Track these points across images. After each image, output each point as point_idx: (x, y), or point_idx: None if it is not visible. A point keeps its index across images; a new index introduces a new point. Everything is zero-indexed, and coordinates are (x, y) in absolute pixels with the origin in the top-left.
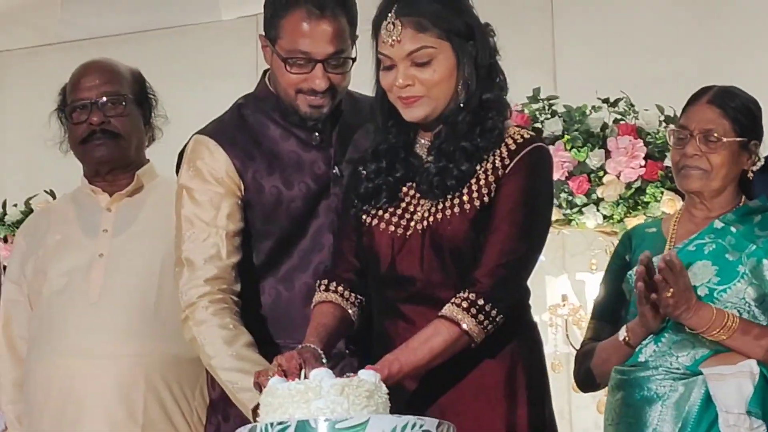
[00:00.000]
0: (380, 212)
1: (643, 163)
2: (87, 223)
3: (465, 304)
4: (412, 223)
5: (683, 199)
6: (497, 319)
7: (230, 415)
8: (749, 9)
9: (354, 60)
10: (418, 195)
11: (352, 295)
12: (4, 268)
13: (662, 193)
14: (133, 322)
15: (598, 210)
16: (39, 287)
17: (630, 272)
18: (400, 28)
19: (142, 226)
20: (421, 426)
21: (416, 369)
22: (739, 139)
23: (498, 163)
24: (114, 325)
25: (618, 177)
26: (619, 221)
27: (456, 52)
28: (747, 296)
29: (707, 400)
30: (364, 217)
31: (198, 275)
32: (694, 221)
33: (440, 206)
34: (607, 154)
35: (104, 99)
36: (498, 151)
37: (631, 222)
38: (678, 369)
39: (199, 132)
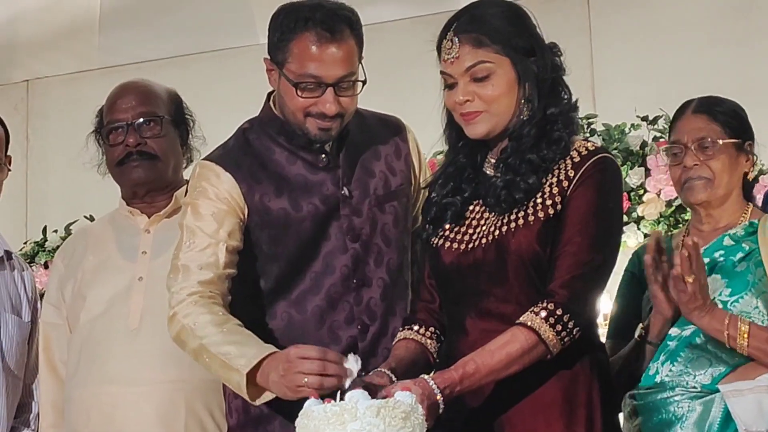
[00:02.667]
0: (446, 232)
1: None
2: (125, 245)
3: (544, 314)
4: (476, 238)
5: None
6: (574, 332)
7: None
8: None
9: (364, 82)
10: (483, 210)
11: (429, 329)
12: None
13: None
14: (173, 348)
15: (638, 228)
16: (77, 311)
17: (645, 295)
18: (458, 45)
19: None
20: None
21: (491, 373)
22: (733, 140)
23: (563, 176)
24: (154, 351)
25: (658, 195)
26: None
27: (515, 68)
28: (759, 305)
29: (727, 418)
30: (433, 239)
31: (192, 279)
32: (701, 235)
33: (505, 220)
34: (647, 173)
35: (140, 120)
36: (563, 164)
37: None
38: (695, 388)
39: (205, 158)
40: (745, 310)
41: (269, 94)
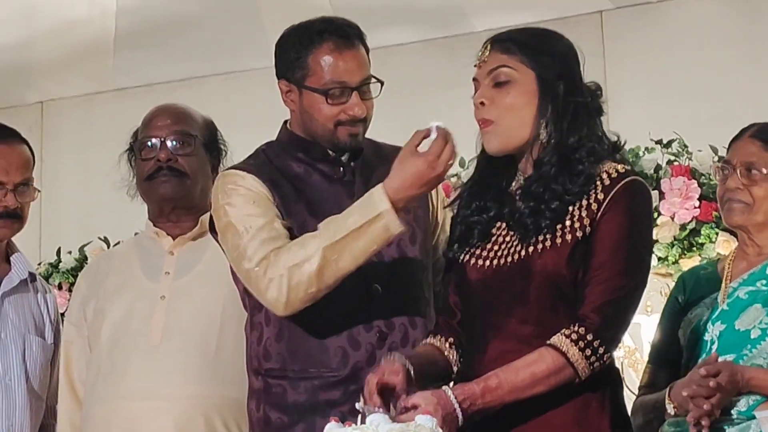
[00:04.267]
0: (473, 249)
1: (697, 204)
2: (149, 265)
3: (574, 336)
4: (501, 255)
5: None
6: (604, 357)
7: None
8: None
9: (383, 83)
10: (508, 229)
11: (449, 340)
12: (61, 315)
13: (717, 234)
14: (194, 364)
15: (652, 252)
16: (98, 329)
17: (685, 317)
18: (488, 50)
19: (204, 270)
20: None
21: (514, 391)
22: None
23: (592, 199)
24: (175, 367)
25: (672, 218)
26: (674, 263)
27: (538, 83)
28: None
29: None
30: (459, 256)
31: (265, 249)
32: (747, 258)
33: (532, 240)
34: (661, 196)
35: (173, 138)
36: (593, 188)
37: (686, 263)
38: (731, 414)
39: (225, 169)
40: None
41: (285, 121)
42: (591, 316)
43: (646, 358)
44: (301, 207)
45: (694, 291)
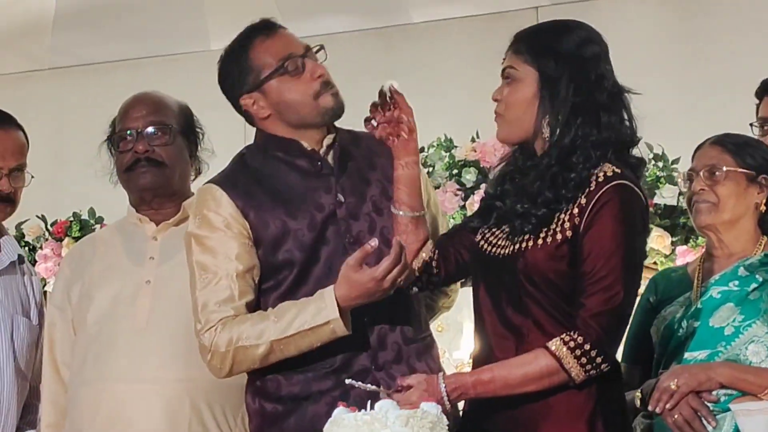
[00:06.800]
0: (485, 231)
1: None
2: (133, 251)
3: (572, 344)
4: (503, 244)
5: (672, 235)
6: (602, 366)
7: None
8: (733, 49)
9: (323, 46)
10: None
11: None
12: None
13: (651, 229)
14: (180, 347)
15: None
16: (84, 312)
17: (659, 315)
18: (509, 50)
19: None
20: None
21: (506, 386)
22: (742, 170)
23: (575, 204)
24: (161, 350)
25: None
26: None
27: (541, 82)
28: None
29: None
30: (477, 235)
31: (213, 317)
32: (717, 261)
33: (519, 238)
34: None
35: (149, 128)
36: (581, 193)
37: None
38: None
39: (206, 182)
40: (757, 334)
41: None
42: (589, 324)
43: None
44: (279, 212)
45: (666, 291)
